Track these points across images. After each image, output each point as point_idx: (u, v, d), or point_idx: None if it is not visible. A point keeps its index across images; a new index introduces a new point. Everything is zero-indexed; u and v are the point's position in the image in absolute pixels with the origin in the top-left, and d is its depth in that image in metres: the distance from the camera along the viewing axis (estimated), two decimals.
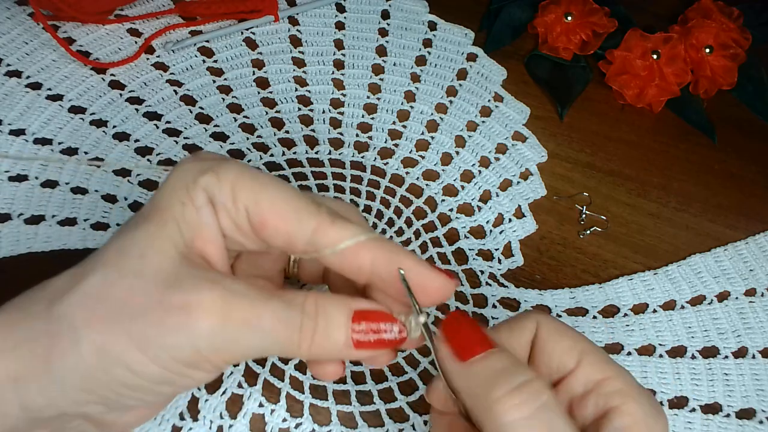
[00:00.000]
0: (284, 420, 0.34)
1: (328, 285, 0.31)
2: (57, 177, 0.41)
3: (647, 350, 0.39)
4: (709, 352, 0.39)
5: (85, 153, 0.43)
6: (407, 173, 0.45)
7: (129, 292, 0.23)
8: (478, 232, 0.43)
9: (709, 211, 0.46)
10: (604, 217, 0.45)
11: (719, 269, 0.43)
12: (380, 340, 0.25)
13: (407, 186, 0.44)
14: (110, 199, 0.41)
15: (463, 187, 0.45)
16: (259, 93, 0.48)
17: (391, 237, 0.42)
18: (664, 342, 0.39)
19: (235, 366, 0.35)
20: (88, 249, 0.38)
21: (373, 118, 0.48)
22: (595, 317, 0.40)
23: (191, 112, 0.46)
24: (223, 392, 0.34)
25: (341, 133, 0.46)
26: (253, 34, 0.51)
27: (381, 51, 0.52)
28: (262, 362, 0.36)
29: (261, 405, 0.34)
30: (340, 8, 0.54)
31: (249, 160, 0.44)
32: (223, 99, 0.47)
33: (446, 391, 0.25)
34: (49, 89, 0.45)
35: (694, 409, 0.37)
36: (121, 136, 0.44)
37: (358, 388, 0.35)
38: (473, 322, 0.25)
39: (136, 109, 0.46)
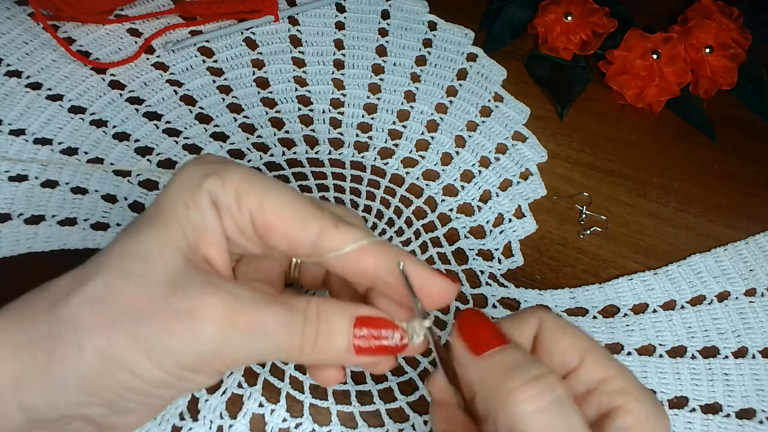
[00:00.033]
0: (284, 420, 0.34)
1: (329, 290, 0.31)
2: (57, 177, 0.41)
3: (647, 350, 0.39)
4: (709, 352, 0.39)
5: (85, 153, 0.43)
6: (407, 173, 0.45)
7: (133, 295, 0.23)
8: (478, 232, 0.43)
9: (709, 211, 0.46)
10: (604, 217, 0.45)
11: (719, 269, 0.43)
12: (381, 347, 0.25)
13: (407, 186, 0.44)
14: (110, 199, 0.41)
15: (463, 187, 0.45)
16: (259, 93, 0.48)
17: (391, 237, 0.42)
18: (664, 342, 0.39)
19: None
20: (88, 249, 0.38)
21: (373, 118, 0.48)
22: (595, 317, 0.40)
23: (191, 112, 0.46)
24: (223, 392, 0.34)
25: (341, 133, 0.46)
26: (253, 34, 0.51)
27: (381, 51, 0.52)
28: (261, 362, 0.36)
29: (261, 405, 0.34)
30: (340, 8, 0.54)
31: (249, 160, 0.44)
32: (223, 99, 0.47)
33: (446, 384, 0.25)
34: (49, 89, 0.45)
35: (694, 409, 0.37)
36: (121, 136, 0.44)
37: (358, 388, 0.35)
38: (487, 318, 0.25)
39: (136, 109, 0.46)
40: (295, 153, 0.45)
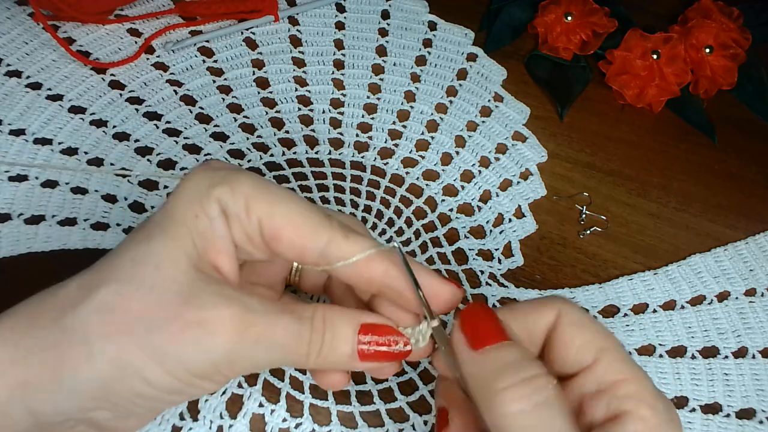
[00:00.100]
0: (284, 420, 0.34)
1: (329, 296, 0.31)
2: (57, 177, 0.41)
3: (647, 350, 0.39)
4: (709, 352, 0.39)
5: (85, 153, 0.43)
6: (407, 173, 0.45)
7: (146, 304, 0.23)
8: (478, 232, 0.43)
9: (709, 211, 0.46)
10: (604, 217, 0.45)
11: (719, 269, 0.43)
12: (385, 353, 0.26)
13: (407, 186, 0.44)
14: (110, 199, 0.41)
15: (463, 187, 0.45)
16: (259, 93, 0.48)
17: (391, 237, 0.42)
18: (664, 342, 0.39)
19: None
20: (88, 249, 0.38)
21: (373, 118, 0.48)
22: (595, 317, 0.40)
23: (191, 112, 0.46)
24: (223, 392, 0.34)
25: (341, 133, 0.46)
26: (253, 34, 0.51)
27: (381, 51, 0.52)
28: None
29: (261, 405, 0.34)
30: (340, 8, 0.54)
31: (249, 160, 0.44)
32: (223, 99, 0.47)
33: (447, 362, 0.26)
34: (49, 89, 0.45)
35: (694, 409, 0.37)
36: (121, 136, 0.44)
37: (358, 388, 0.35)
38: (491, 314, 0.25)
39: (136, 109, 0.46)
40: (295, 153, 0.45)
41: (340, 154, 0.45)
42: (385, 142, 0.46)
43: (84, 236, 0.39)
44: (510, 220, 0.44)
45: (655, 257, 0.43)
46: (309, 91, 0.48)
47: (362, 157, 0.45)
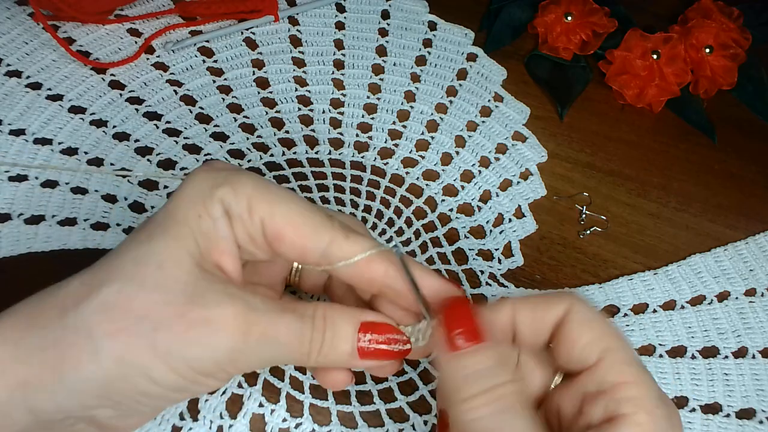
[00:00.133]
0: (284, 420, 0.34)
1: (330, 296, 0.32)
2: (57, 177, 0.41)
3: (647, 350, 0.39)
4: (709, 352, 0.39)
5: (85, 153, 0.43)
6: (407, 173, 0.45)
7: (150, 303, 0.23)
8: (478, 232, 0.43)
9: (709, 211, 0.46)
10: (604, 217, 0.45)
11: (719, 269, 0.43)
12: (385, 351, 0.26)
13: (407, 186, 0.44)
14: (110, 199, 0.41)
15: (463, 187, 0.45)
16: (259, 93, 0.48)
17: (391, 237, 0.42)
18: (664, 342, 0.39)
19: None
20: (88, 249, 0.38)
21: (373, 118, 0.48)
22: None
23: (191, 112, 0.46)
24: (223, 392, 0.34)
25: (341, 133, 0.46)
26: (253, 34, 0.51)
27: (381, 51, 0.52)
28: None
29: (261, 405, 0.34)
30: (340, 8, 0.54)
31: (249, 160, 0.44)
32: (223, 99, 0.47)
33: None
34: (49, 89, 0.45)
35: (694, 409, 0.37)
36: (121, 136, 0.44)
37: (358, 388, 0.35)
38: (470, 313, 0.25)
39: (136, 109, 0.46)
40: (295, 153, 0.45)
41: (340, 154, 0.45)
42: (385, 142, 0.46)
43: (84, 236, 0.39)
44: (510, 220, 0.44)
45: (655, 257, 0.43)
46: (309, 91, 0.48)
47: (362, 157, 0.45)
